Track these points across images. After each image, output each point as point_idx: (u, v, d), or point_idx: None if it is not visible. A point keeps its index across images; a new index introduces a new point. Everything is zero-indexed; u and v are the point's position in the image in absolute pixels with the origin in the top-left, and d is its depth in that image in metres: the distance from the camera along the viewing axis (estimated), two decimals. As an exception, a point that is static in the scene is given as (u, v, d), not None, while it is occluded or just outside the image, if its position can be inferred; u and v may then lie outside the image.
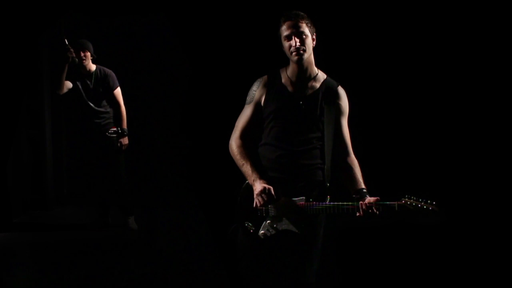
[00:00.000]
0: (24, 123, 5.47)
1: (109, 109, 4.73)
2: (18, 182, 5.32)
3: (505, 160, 3.60)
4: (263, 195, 2.30)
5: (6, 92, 4.90)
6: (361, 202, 2.27)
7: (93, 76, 4.64)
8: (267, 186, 2.31)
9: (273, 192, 2.31)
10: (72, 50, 4.42)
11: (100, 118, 4.68)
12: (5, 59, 4.77)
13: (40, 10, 4.69)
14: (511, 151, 3.59)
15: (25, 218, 5.33)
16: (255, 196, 2.34)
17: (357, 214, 2.27)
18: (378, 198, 2.26)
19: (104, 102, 4.68)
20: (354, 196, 2.35)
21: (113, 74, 4.71)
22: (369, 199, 2.27)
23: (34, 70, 5.40)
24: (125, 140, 4.73)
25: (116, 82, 4.71)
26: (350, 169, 2.42)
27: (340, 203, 2.31)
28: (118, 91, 4.71)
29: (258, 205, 2.34)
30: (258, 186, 2.32)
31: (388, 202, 2.25)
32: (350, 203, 2.30)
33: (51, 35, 5.39)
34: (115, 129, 4.73)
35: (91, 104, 4.65)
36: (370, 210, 2.24)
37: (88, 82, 4.64)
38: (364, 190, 2.34)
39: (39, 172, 5.63)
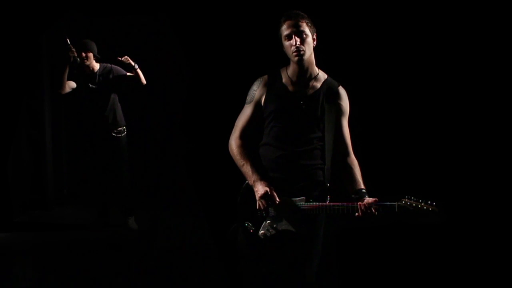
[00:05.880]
0: (24, 123, 5.47)
1: (114, 108, 4.71)
2: (18, 182, 5.32)
3: (505, 160, 3.60)
4: (265, 198, 2.31)
5: (6, 92, 4.90)
6: (359, 202, 2.27)
7: (97, 75, 4.63)
8: (268, 188, 2.32)
9: (275, 194, 2.32)
10: (73, 49, 4.42)
11: (105, 118, 4.67)
12: (6, 59, 4.77)
13: (41, 9, 4.69)
14: (511, 151, 3.59)
15: (25, 218, 5.33)
16: (257, 199, 2.34)
17: (356, 214, 2.28)
18: (377, 199, 2.27)
19: (109, 101, 4.65)
20: (353, 196, 2.35)
21: (115, 67, 4.65)
22: (367, 199, 2.28)
23: (34, 70, 5.39)
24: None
25: (123, 71, 4.65)
26: (350, 169, 2.42)
27: (340, 203, 2.31)
28: (130, 75, 4.63)
29: (262, 208, 2.35)
30: (261, 189, 2.33)
31: (388, 203, 2.25)
32: (350, 203, 2.29)
33: (52, 34, 5.40)
34: (120, 128, 4.72)
35: (96, 104, 4.64)
36: (368, 211, 2.24)
37: (92, 82, 4.62)
38: (363, 191, 2.34)
39: (39, 172, 5.62)
